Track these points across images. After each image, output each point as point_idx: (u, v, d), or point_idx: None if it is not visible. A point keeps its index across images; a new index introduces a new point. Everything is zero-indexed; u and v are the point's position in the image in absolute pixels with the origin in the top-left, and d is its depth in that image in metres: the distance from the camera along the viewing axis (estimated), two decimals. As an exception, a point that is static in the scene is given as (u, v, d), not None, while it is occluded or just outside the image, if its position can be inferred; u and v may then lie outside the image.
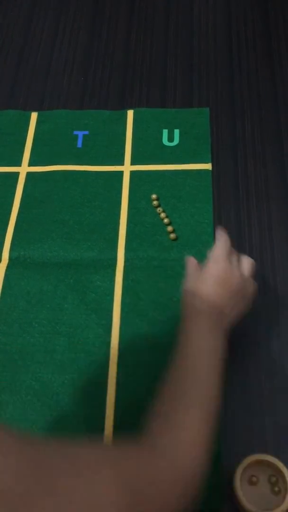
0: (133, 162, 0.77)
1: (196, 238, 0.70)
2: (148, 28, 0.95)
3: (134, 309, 0.65)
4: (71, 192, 0.75)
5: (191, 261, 0.59)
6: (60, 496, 0.31)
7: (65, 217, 0.73)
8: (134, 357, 0.62)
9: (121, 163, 0.77)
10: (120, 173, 0.77)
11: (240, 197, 0.74)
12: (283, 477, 0.51)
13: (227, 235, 0.59)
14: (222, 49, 0.91)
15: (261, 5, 0.96)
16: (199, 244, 0.69)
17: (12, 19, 0.99)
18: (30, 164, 0.78)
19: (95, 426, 0.58)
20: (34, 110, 0.85)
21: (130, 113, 0.83)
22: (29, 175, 0.77)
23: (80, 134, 0.81)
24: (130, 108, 0.84)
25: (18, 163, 0.79)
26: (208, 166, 0.76)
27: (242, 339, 0.63)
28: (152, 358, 0.62)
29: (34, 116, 0.84)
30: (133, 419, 0.58)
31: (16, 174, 0.78)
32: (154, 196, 0.73)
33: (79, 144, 0.80)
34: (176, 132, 0.80)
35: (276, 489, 0.52)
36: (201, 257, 0.68)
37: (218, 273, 0.55)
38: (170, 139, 0.79)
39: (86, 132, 0.81)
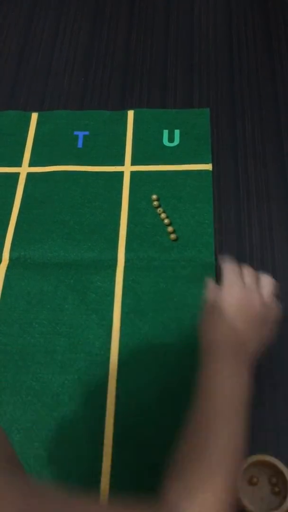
0: (133, 163, 0.77)
1: (197, 239, 0.70)
2: (148, 28, 0.95)
3: (135, 309, 0.65)
4: (72, 192, 0.75)
5: (210, 288, 0.53)
6: None
7: (65, 217, 0.73)
8: (134, 357, 0.62)
9: (122, 163, 0.77)
10: (121, 174, 0.77)
11: (241, 197, 0.74)
12: (283, 478, 0.51)
13: (231, 258, 0.54)
14: (223, 49, 0.91)
15: (261, 5, 0.96)
16: (200, 245, 0.69)
17: (12, 19, 0.99)
18: (30, 165, 0.78)
19: (95, 426, 0.58)
20: (35, 111, 0.85)
21: (131, 114, 0.83)
22: (29, 175, 0.78)
23: (80, 134, 0.81)
24: (131, 108, 0.84)
25: (19, 164, 0.79)
26: (208, 167, 0.76)
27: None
28: (152, 358, 0.62)
29: (34, 116, 0.84)
30: (134, 420, 0.58)
31: (17, 175, 0.78)
32: (154, 196, 0.73)
33: (80, 144, 0.80)
34: (177, 132, 0.80)
35: (277, 489, 0.52)
36: (201, 258, 0.68)
37: (234, 302, 0.50)
38: (171, 139, 0.79)
39: (87, 133, 0.81)
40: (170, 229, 0.71)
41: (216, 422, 0.44)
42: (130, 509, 0.38)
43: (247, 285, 0.52)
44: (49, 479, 0.56)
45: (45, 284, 0.68)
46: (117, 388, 0.60)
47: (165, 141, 0.79)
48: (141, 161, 0.77)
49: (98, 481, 0.55)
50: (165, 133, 0.80)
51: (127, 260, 0.69)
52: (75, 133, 0.81)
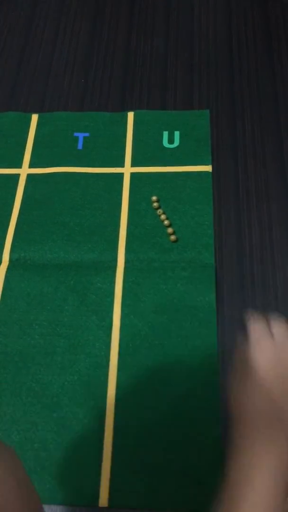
0: (133, 164, 0.77)
1: (197, 240, 0.70)
2: (148, 29, 0.95)
3: (134, 310, 0.66)
4: (72, 194, 0.75)
5: (238, 348, 0.47)
6: None
7: (65, 218, 0.73)
8: (134, 358, 0.62)
9: (122, 165, 0.78)
10: (121, 175, 0.77)
11: (240, 197, 0.74)
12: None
13: (257, 314, 0.48)
14: (223, 49, 0.91)
15: (261, 5, 0.96)
16: (199, 246, 0.69)
17: (13, 19, 0.99)
18: (30, 166, 0.79)
19: (95, 427, 0.59)
20: (35, 112, 0.85)
21: (131, 115, 0.83)
22: (29, 177, 0.78)
23: (80, 136, 0.81)
24: (131, 109, 0.84)
25: (19, 165, 0.79)
26: (208, 168, 0.76)
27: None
28: (152, 359, 0.62)
29: (34, 118, 0.84)
30: (133, 420, 0.59)
31: (17, 176, 0.78)
32: (154, 198, 0.74)
33: (80, 146, 0.80)
34: (177, 134, 0.80)
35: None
36: (201, 259, 0.68)
37: (265, 362, 0.44)
38: (171, 141, 0.79)
39: (87, 134, 0.81)
40: (170, 230, 0.71)
41: (247, 499, 0.40)
42: None
43: (278, 340, 0.46)
44: (49, 480, 0.56)
45: (45, 285, 0.68)
46: (117, 389, 0.61)
47: (165, 142, 0.79)
48: (141, 162, 0.77)
49: (98, 482, 0.56)
50: (165, 134, 0.80)
51: (127, 262, 0.69)
52: (75, 134, 0.81)
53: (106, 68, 0.90)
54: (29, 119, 0.84)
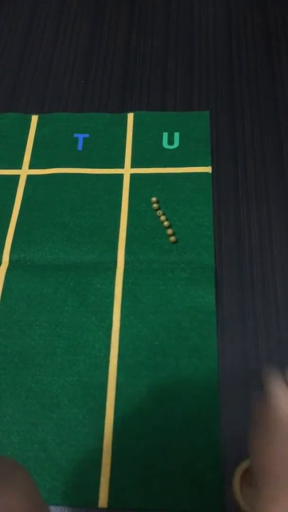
0: (133, 165, 0.78)
1: (196, 241, 0.70)
2: (148, 29, 0.95)
3: (134, 311, 0.66)
4: (72, 194, 0.76)
5: (258, 397, 0.45)
6: None
7: (65, 219, 0.73)
8: (133, 359, 0.62)
9: (121, 166, 0.78)
10: (120, 176, 0.77)
11: (240, 198, 0.74)
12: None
13: (274, 367, 0.47)
14: (222, 49, 0.91)
15: (260, 5, 0.96)
16: (199, 247, 0.70)
17: (13, 19, 1.00)
18: (30, 167, 0.79)
19: (95, 428, 0.59)
20: (35, 113, 0.85)
21: (130, 116, 0.83)
22: (29, 177, 0.78)
23: (80, 137, 0.81)
24: (131, 110, 0.84)
25: (19, 166, 0.79)
26: (208, 169, 0.76)
27: (240, 341, 0.63)
28: (151, 360, 0.62)
29: (34, 119, 0.84)
30: (133, 421, 0.59)
31: (17, 177, 0.78)
32: (154, 199, 0.74)
33: (80, 147, 0.80)
34: (176, 135, 0.80)
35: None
36: (201, 260, 0.68)
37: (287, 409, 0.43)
38: (170, 142, 0.80)
39: (87, 135, 0.81)
40: (169, 231, 0.71)
41: None
42: None
43: None
44: (49, 480, 0.56)
45: (45, 286, 0.68)
46: (117, 390, 0.61)
47: (165, 143, 0.79)
48: (141, 163, 0.78)
49: (97, 483, 0.56)
50: (165, 135, 0.80)
51: (126, 263, 0.69)
52: (75, 135, 0.82)
53: (106, 68, 0.91)
54: (29, 120, 0.84)
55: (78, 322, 0.66)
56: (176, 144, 0.79)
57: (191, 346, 0.63)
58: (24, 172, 0.78)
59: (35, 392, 0.61)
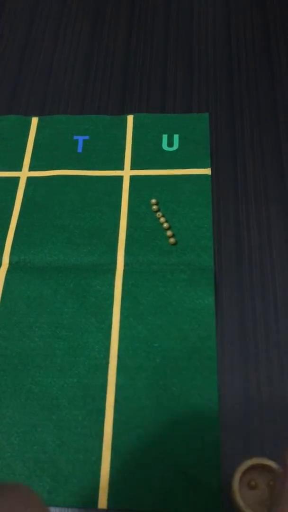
0: (133, 167, 0.78)
1: (196, 243, 0.70)
2: (148, 29, 0.95)
3: (134, 313, 0.66)
4: (71, 196, 0.76)
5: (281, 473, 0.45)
6: None
7: (65, 221, 0.74)
8: (133, 360, 0.63)
9: (121, 167, 0.78)
10: (120, 178, 0.77)
11: (239, 199, 0.75)
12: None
13: None
14: (222, 49, 0.91)
15: (259, 5, 0.97)
16: (198, 249, 0.70)
17: (14, 20, 1.00)
18: (30, 169, 0.79)
19: (94, 430, 0.59)
20: (35, 115, 0.85)
21: (130, 118, 0.83)
22: (29, 179, 0.78)
23: (80, 139, 0.82)
24: (131, 110, 0.84)
25: (19, 168, 0.79)
26: (207, 171, 0.76)
27: (240, 342, 0.63)
28: (151, 361, 0.62)
29: (34, 121, 0.84)
30: (132, 423, 0.59)
31: (17, 179, 0.78)
32: (153, 200, 0.74)
33: (79, 149, 0.80)
34: (176, 137, 0.80)
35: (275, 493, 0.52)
36: (200, 262, 0.68)
37: None
38: (170, 144, 0.80)
39: (87, 137, 0.82)
40: (169, 233, 0.71)
41: None
42: None
43: None
44: (48, 482, 0.56)
45: (44, 288, 0.68)
46: (116, 391, 0.61)
47: (164, 145, 0.80)
48: (141, 165, 0.78)
49: (97, 484, 0.56)
50: (164, 137, 0.80)
51: (126, 264, 0.69)
52: (75, 137, 0.82)
53: (106, 68, 0.91)
54: (29, 122, 0.84)
55: (77, 323, 0.66)
56: (175, 146, 0.79)
57: (191, 348, 0.63)
58: (24, 174, 0.79)
59: (34, 394, 0.61)
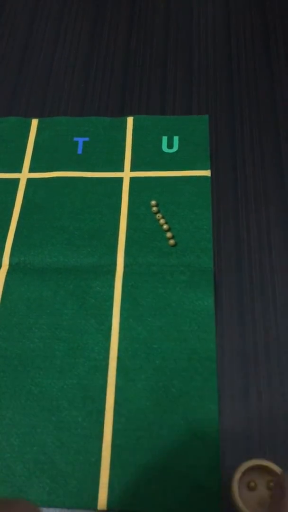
0: (132, 169, 0.78)
1: (195, 244, 0.70)
2: (148, 29, 0.95)
3: (133, 314, 0.66)
4: (71, 198, 0.76)
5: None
6: None
7: (65, 223, 0.74)
8: (133, 362, 0.63)
9: (121, 169, 0.78)
10: (120, 180, 0.77)
11: (239, 200, 0.75)
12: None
13: None
14: (222, 49, 0.91)
15: (259, 5, 0.96)
16: (198, 250, 0.70)
17: (14, 20, 1.00)
18: (30, 171, 0.79)
19: (94, 430, 0.59)
20: (35, 117, 0.85)
21: (130, 120, 0.83)
22: (29, 181, 0.78)
23: (80, 140, 0.82)
24: (131, 111, 0.84)
25: (19, 170, 0.79)
26: (207, 173, 0.76)
27: (239, 343, 0.63)
28: (150, 363, 0.62)
29: (34, 123, 0.84)
30: (132, 424, 0.59)
31: (17, 180, 0.78)
32: (153, 202, 0.74)
33: (79, 150, 0.81)
34: (176, 139, 0.80)
35: (273, 494, 0.52)
36: (200, 263, 0.69)
37: None
38: (170, 145, 0.80)
39: (87, 139, 0.82)
40: (169, 234, 0.71)
41: None
42: None
43: None
44: (48, 483, 0.56)
45: (44, 289, 0.69)
46: (116, 393, 0.61)
47: (164, 147, 0.80)
48: (140, 167, 0.78)
49: (96, 485, 0.56)
50: (164, 139, 0.80)
51: (126, 266, 0.70)
52: (75, 139, 0.82)
53: (107, 68, 0.91)
54: (29, 124, 0.84)
55: (77, 325, 0.66)
56: (175, 148, 0.80)
57: (190, 349, 0.63)
58: (24, 175, 0.79)
59: (34, 395, 0.62)
